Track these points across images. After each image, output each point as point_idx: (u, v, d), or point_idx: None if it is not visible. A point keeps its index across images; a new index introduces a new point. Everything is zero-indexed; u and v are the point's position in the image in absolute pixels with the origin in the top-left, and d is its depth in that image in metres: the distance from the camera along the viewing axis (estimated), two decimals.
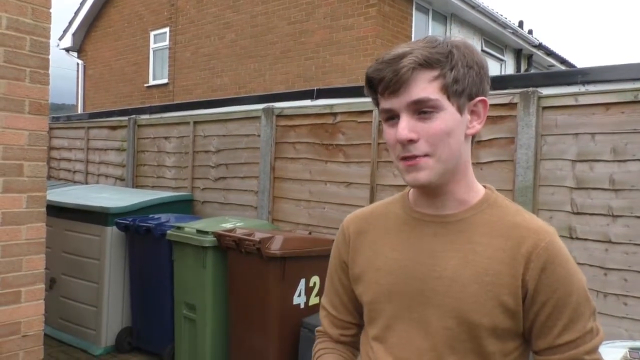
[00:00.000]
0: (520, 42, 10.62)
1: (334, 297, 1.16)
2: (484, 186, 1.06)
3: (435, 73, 0.91)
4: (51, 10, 2.76)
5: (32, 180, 2.72)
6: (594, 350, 0.94)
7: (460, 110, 0.94)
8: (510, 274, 0.93)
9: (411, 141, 0.92)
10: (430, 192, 1.00)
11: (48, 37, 2.76)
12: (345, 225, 1.15)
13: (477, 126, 0.99)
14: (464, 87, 0.93)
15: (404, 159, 0.94)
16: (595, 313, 0.97)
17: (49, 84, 2.78)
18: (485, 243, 0.96)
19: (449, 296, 0.95)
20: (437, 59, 0.91)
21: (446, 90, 0.91)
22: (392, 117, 0.95)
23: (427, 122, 0.91)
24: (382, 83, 0.92)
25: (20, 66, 2.64)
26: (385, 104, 0.94)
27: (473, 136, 1.02)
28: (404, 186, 1.09)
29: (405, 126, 0.91)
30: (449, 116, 0.92)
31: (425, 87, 0.91)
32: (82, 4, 12.41)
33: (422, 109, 0.91)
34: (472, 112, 0.98)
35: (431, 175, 0.93)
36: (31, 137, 2.71)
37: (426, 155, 0.92)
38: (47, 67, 2.76)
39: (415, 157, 0.92)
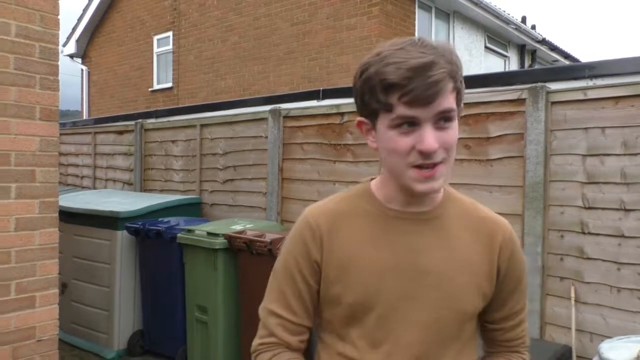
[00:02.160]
0: (524, 37, 10.58)
1: (293, 300, 1.06)
2: None
3: (453, 84, 0.93)
4: (59, 17, 2.78)
5: (44, 186, 2.74)
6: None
7: (459, 116, 0.98)
8: (488, 263, 1.05)
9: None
10: None
11: (57, 44, 2.78)
12: (312, 222, 1.05)
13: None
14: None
15: (421, 167, 0.93)
16: None
17: (59, 90, 2.79)
18: (462, 237, 1.05)
19: (439, 290, 1.01)
20: (456, 70, 0.93)
21: (458, 100, 0.96)
22: (406, 124, 0.93)
23: (445, 132, 0.93)
24: (411, 93, 0.89)
25: (30, 73, 2.66)
26: (408, 112, 0.91)
27: None
28: None
29: (432, 136, 0.91)
30: (456, 124, 0.96)
31: (449, 97, 0.92)
32: (85, 10, 12.47)
33: (441, 119, 0.93)
34: None
35: (443, 182, 0.97)
36: (42, 143, 2.72)
37: (441, 162, 0.94)
38: (56, 74, 2.77)
39: (434, 165, 0.93)
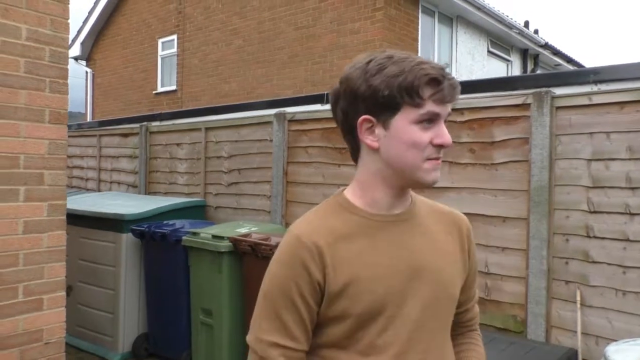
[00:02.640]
0: (527, 42, 10.60)
1: (294, 326, 1.02)
2: None
3: None
4: (69, 21, 2.81)
5: (52, 189, 2.76)
6: None
7: None
8: (461, 251, 1.16)
9: None
10: (407, 192, 1.11)
11: (66, 47, 2.80)
12: (308, 242, 1.02)
13: None
14: None
15: (435, 159, 1.03)
16: None
17: (68, 93, 2.82)
18: (438, 231, 1.13)
19: (436, 284, 1.08)
20: None
21: None
22: (427, 120, 1.01)
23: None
24: (443, 92, 0.99)
25: (40, 76, 2.68)
26: (436, 108, 1.01)
27: None
28: None
29: (447, 132, 1.03)
30: None
31: None
32: (90, 13, 12.53)
33: (445, 119, 1.05)
34: None
35: None
36: (51, 146, 2.74)
37: None
38: (66, 77, 2.80)
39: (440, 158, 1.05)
